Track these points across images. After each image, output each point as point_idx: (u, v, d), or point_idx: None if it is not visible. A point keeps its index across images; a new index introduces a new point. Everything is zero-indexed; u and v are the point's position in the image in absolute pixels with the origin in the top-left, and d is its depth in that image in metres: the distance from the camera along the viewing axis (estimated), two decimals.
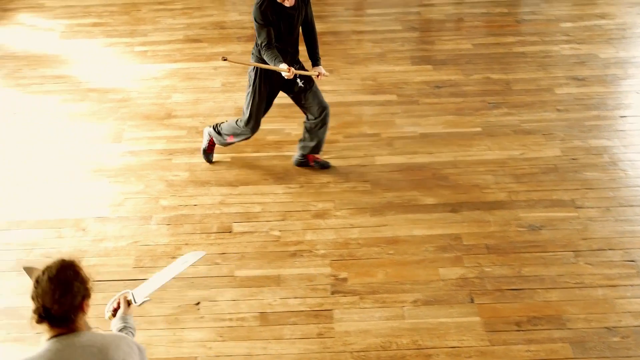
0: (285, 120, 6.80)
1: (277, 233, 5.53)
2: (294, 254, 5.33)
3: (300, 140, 6.13)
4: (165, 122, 6.84)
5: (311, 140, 6.03)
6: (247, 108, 5.81)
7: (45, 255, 5.28)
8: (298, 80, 5.73)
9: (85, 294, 2.81)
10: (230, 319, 4.83)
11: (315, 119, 5.89)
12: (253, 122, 5.86)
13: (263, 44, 5.46)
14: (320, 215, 5.69)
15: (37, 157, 6.41)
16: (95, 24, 8.77)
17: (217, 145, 6.24)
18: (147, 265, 5.24)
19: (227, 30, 8.55)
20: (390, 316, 4.80)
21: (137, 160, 6.32)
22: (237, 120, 5.96)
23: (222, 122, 6.10)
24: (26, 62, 7.96)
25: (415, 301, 4.90)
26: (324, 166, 6.18)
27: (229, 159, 6.32)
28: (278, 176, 6.12)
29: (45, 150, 6.49)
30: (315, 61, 5.79)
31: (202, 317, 4.85)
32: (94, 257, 5.32)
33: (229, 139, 6.08)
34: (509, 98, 7.07)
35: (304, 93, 5.81)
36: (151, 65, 7.78)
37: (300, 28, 5.70)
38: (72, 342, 2.75)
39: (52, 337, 2.76)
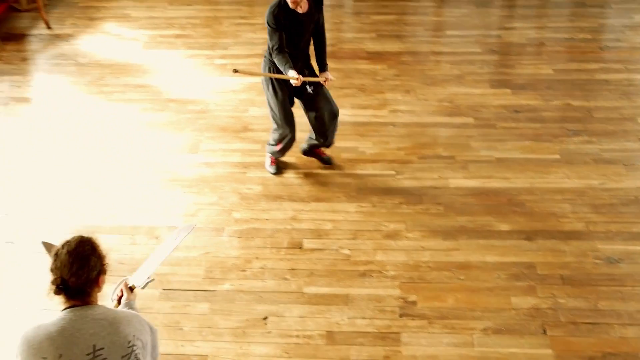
0: (360, 139, 6.78)
1: (347, 252, 5.51)
2: (363, 274, 5.30)
3: (310, 138, 6.30)
4: (241, 135, 6.89)
5: (321, 140, 6.23)
6: (271, 110, 5.95)
7: (119, 262, 5.37)
8: (308, 87, 5.87)
9: (102, 270, 2.98)
10: (297, 336, 4.82)
11: (324, 125, 6.02)
12: (282, 119, 5.92)
13: (274, 48, 5.60)
14: (392, 235, 5.65)
15: (116, 163, 6.53)
16: (177, 36, 8.91)
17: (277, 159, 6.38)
18: (217, 276, 5.28)
19: None
20: (459, 343, 4.73)
21: (212, 172, 6.38)
22: (274, 127, 6.10)
23: None
24: (110, 71, 8.13)
25: (485, 329, 4.82)
26: (328, 162, 6.43)
27: (302, 175, 6.33)
28: (350, 194, 6.10)
29: (123, 158, 6.61)
30: (323, 67, 5.93)
31: (269, 332, 4.85)
32: (166, 266, 5.36)
33: (278, 147, 6.16)
34: (589, 126, 6.91)
35: (314, 97, 5.92)
36: (230, 78, 7.85)
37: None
38: (85, 314, 2.89)
39: (67, 308, 2.92)
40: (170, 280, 5.26)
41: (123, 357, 2.89)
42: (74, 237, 2.96)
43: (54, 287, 2.89)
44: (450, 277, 5.25)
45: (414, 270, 5.31)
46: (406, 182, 6.22)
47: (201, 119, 7.18)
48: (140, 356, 2.96)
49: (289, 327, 4.89)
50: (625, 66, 7.97)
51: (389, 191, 6.12)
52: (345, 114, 7.15)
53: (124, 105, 7.43)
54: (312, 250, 5.53)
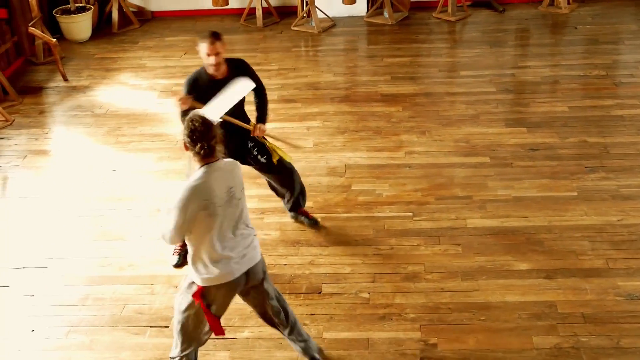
0: (376, 181, 6.79)
1: (366, 295, 5.48)
2: (383, 317, 5.26)
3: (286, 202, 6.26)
4: (257, 181, 6.87)
5: (290, 197, 6.18)
6: None
7: (138, 312, 5.37)
8: (259, 156, 5.86)
9: (218, 132, 4.19)
10: None
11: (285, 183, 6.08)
12: None
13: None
14: (410, 278, 5.62)
15: (132, 213, 6.56)
16: None
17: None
18: (237, 324, 5.25)
19: (320, 91, 8.65)
20: None
21: None
22: None
23: None
24: (127, 120, 8.21)
25: None
26: (315, 223, 6.26)
27: (319, 219, 6.32)
28: (368, 237, 6.08)
29: (140, 207, 6.64)
30: (262, 120, 5.90)
31: None
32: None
33: None
34: (606, 162, 6.88)
35: (268, 164, 5.91)
36: None
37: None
38: (216, 167, 4.19)
39: (203, 166, 4.17)
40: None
41: (240, 190, 4.30)
42: (194, 116, 4.14)
43: (202, 151, 4.10)
44: (471, 318, 5.20)
45: (433, 313, 5.27)
46: (424, 224, 6.20)
47: None
48: (242, 194, 4.34)
49: None
50: None
51: (406, 233, 6.10)
52: (360, 157, 7.17)
53: (141, 154, 7.49)
54: (331, 294, 5.51)
